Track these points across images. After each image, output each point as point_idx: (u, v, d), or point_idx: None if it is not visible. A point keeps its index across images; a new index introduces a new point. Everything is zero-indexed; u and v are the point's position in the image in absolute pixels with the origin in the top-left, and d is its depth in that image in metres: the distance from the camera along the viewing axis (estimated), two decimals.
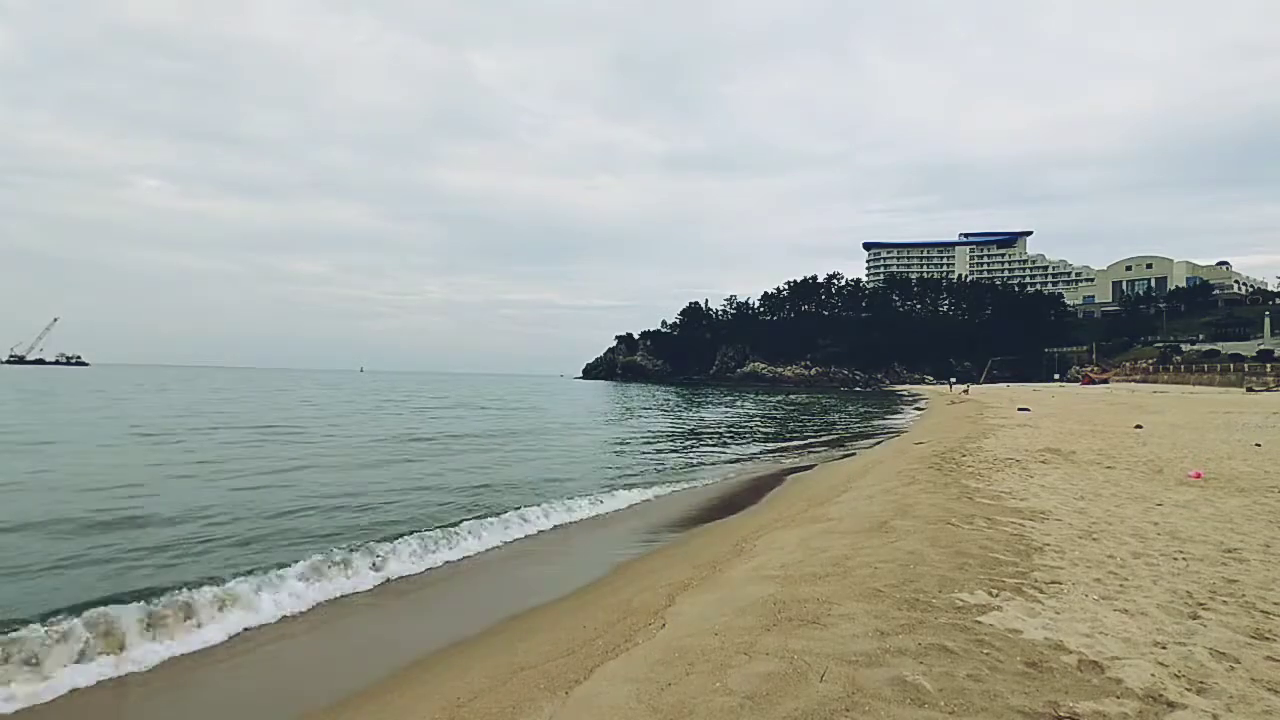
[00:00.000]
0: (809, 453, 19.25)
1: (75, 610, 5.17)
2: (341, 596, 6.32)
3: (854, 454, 18.00)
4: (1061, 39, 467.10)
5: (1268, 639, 3.57)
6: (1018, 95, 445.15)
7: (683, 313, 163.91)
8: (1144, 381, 66.11)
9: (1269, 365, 53.45)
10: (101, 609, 5.19)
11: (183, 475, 12.29)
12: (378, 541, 7.61)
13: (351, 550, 7.18)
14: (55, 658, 4.61)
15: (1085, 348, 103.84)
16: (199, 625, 5.37)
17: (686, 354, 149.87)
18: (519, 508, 9.78)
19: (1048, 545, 5.51)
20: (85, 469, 12.87)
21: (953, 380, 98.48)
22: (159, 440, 17.98)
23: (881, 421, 32.83)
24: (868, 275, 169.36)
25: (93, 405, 32.20)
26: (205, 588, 5.83)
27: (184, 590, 5.74)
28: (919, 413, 38.86)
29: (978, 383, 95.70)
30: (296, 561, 6.72)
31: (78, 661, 4.66)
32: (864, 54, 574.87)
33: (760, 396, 67.94)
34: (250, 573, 6.35)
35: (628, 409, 42.44)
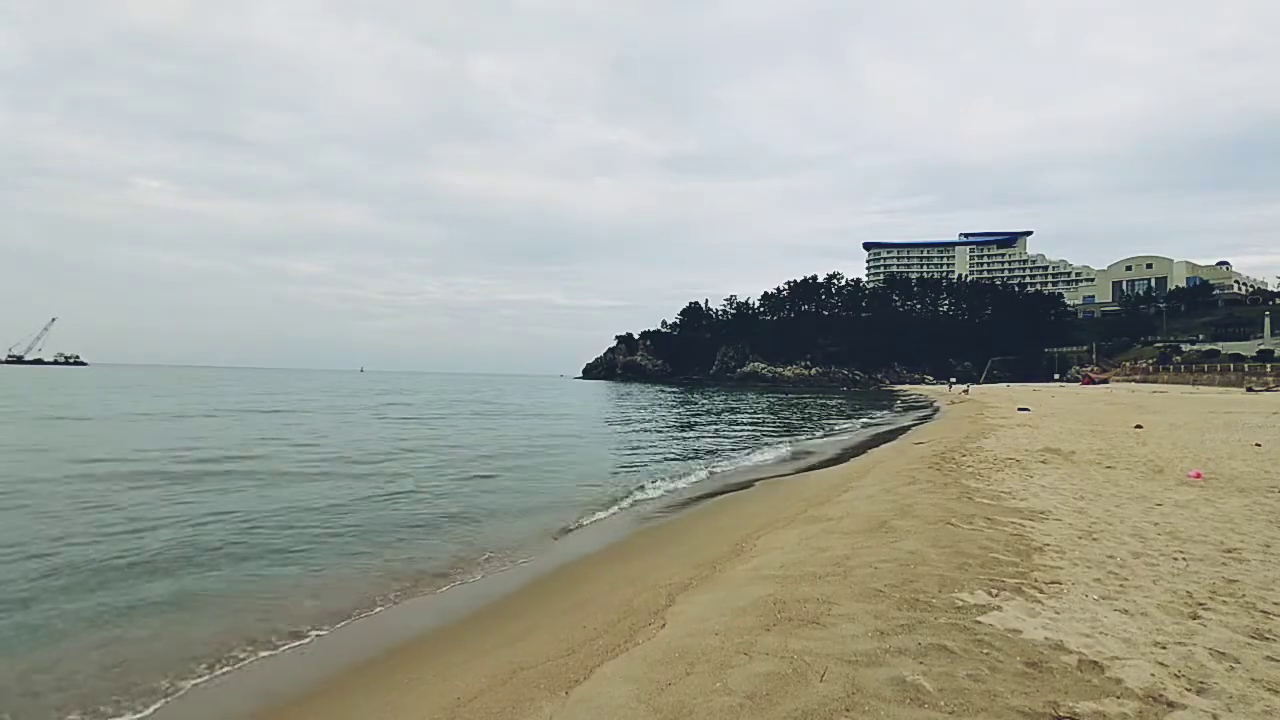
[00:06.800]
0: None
1: None
2: None
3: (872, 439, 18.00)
4: (1059, 42, 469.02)
5: (1268, 639, 3.57)
6: (1016, 98, 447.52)
7: (683, 313, 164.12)
8: (1144, 381, 66.07)
9: (1269, 365, 53.45)
10: None
11: None
12: None
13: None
14: None
15: (1085, 348, 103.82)
16: None
17: (686, 354, 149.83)
18: None
19: (1048, 545, 5.51)
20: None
21: (953, 380, 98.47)
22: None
23: (880, 419, 32.84)
24: (868, 275, 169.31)
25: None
26: None
27: None
28: (919, 412, 38.83)
29: (978, 383, 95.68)
30: None
31: None
32: (860, 58, 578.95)
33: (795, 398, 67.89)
34: None
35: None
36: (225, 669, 4.91)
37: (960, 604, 4.03)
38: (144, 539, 8.10)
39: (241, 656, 5.10)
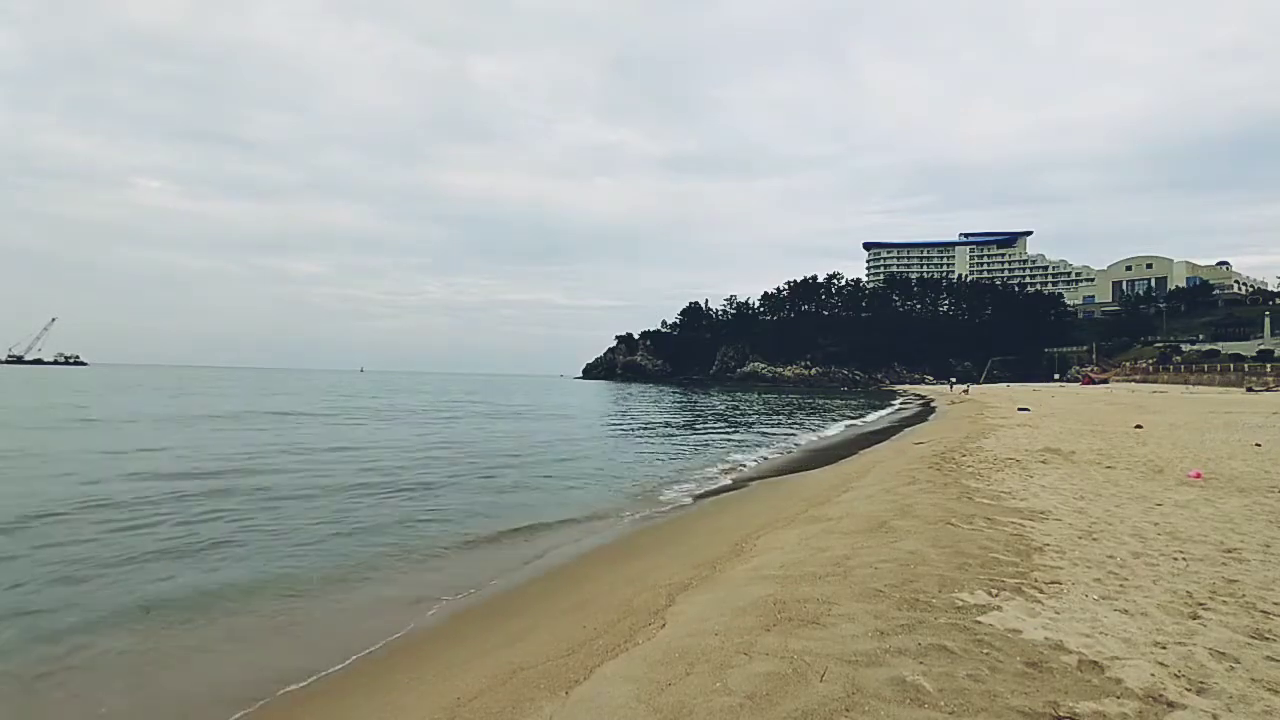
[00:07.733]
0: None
1: None
2: None
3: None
4: (1059, 42, 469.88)
5: (1268, 639, 3.57)
6: (1016, 98, 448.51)
7: (683, 313, 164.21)
8: (1144, 381, 66.04)
9: (1269, 365, 53.46)
10: None
11: None
12: None
13: None
14: None
15: (1085, 348, 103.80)
16: None
17: (686, 354, 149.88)
18: None
19: (1048, 545, 5.51)
20: None
21: (953, 380, 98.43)
22: None
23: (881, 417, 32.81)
24: (868, 275, 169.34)
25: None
26: None
27: None
28: (918, 412, 38.79)
29: (978, 382, 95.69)
30: None
31: None
32: (860, 58, 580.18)
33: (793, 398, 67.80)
34: None
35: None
36: (259, 703, 4.53)
37: (960, 604, 4.03)
38: (141, 543, 8.09)
39: (267, 691, 4.71)
